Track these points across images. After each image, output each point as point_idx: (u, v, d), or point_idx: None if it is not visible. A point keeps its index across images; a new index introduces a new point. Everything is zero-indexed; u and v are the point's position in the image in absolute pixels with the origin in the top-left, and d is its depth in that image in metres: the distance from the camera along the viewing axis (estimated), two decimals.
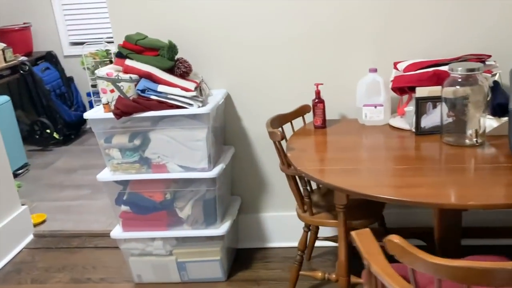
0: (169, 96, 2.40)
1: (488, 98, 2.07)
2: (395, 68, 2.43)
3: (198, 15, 2.63)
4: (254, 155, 2.82)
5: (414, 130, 2.27)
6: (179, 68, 2.53)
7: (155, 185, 2.56)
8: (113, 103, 2.44)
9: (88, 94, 5.33)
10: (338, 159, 2.09)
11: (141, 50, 2.49)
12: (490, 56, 2.27)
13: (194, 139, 2.46)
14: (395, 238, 1.29)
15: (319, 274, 2.35)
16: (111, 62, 5.05)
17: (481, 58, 2.24)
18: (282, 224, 2.90)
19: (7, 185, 3.18)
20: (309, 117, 2.55)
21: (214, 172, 2.48)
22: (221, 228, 2.59)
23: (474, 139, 2.09)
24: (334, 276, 2.28)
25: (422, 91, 2.20)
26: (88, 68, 5.06)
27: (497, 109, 2.11)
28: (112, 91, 2.44)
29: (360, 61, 2.56)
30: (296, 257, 2.43)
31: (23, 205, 3.36)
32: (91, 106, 5.33)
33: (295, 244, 2.66)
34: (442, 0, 2.43)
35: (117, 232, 2.66)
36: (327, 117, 2.49)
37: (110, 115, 2.42)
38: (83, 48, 5.12)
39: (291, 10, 2.55)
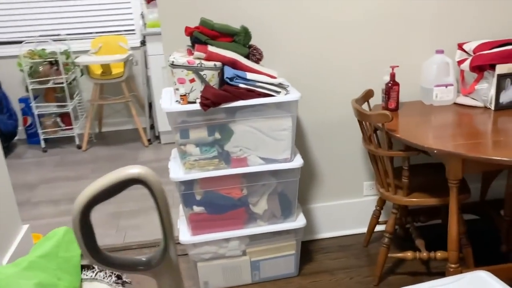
0: (257, 84, 2.26)
1: None
2: (460, 49, 2.58)
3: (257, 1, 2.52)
4: (299, 145, 2.77)
5: (490, 106, 2.44)
6: (254, 55, 2.41)
7: (233, 181, 2.39)
8: (192, 93, 2.23)
9: (22, 100, 4.71)
10: (448, 136, 2.17)
11: (216, 36, 2.32)
12: None
13: (279, 129, 2.35)
14: None
15: (408, 255, 2.39)
16: (51, 63, 4.54)
17: None
18: (328, 215, 2.89)
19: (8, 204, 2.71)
20: (372, 100, 2.59)
21: (298, 162, 2.39)
22: (299, 220, 2.51)
23: None
24: (439, 253, 2.33)
25: (502, 68, 2.38)
26: (23, 70, 4.48)
27: None
28: (192, 80, 2.22)
29: (421, 43, 2.66)
30: (385, 239, 2.44)
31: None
32: (26, 114, 4.72)
33: (344, 232, 2.78)
34: None
35: (186, 236, 2.42)
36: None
37: (190, 107, 2.21)
38: (21, 48, 4.50)
39: None
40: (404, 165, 2.28)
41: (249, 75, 2.25)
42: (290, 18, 2.56)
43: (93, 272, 2.14)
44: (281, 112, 2.33)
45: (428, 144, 2.09)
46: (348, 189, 2.88)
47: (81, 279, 2.09)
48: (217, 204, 2.41)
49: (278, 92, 2.29)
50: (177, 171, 2.35)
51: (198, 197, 2.40)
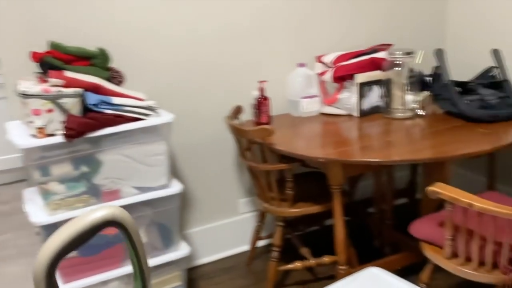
0: (125, 108, 2.10)
1: (414, 77, 2.50)
2: (319, 61, 2.67)
3: (110, 20, 2.35)
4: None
5: (354, 113, 2.55)
6: (115, 78, 2.25)
7: None
8: (51, 125, 2.00)
9: None
10: (327, 144, 2.22)
11: (71, 60, 2.12)
12: (392, 44, 2.72)
13: (153, 154, 2.20)
14: None
15: (298, 265, 2.40)
16: None
17: (387, 47, 2.67)
18: (206, 238, 2.79)
19: None
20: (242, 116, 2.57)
21: (177, 188, 2.27)
22: (182, 248, 2.38)
23: (407, 112, 2.50)
24: (326, 258, 2.37)
25: (361, 77, 2.50)
26: None
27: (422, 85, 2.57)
28: (49, 110, 1.99)
29: (282, 58, 2.70)
30: (273, 254, 2.42)
31: None
32: None
33: (225, 254, 2.80)
34: (344, 2, 2.77)
35: None
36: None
37: (51, 140, 1.98)
38: None
39: (209, 13, 2.52)
40: (288, 177, 2.28)
41: (115, 100, 2.08)
42: (150, 37, 2.43)
43: None
44: (153, 137, 2.19)
45: (313, 154, 2.11)
46: (224, 209, 2.81)
47: None
48: (91, 245, 2.17)
49: (148, 115, 2.15)
50: (39, 213, 2.07)
51: None
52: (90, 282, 2.19)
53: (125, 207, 2.19)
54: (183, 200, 2.67)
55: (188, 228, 2.74)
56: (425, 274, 1.99)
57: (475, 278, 1.79)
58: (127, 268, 2.24)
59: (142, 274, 0.99)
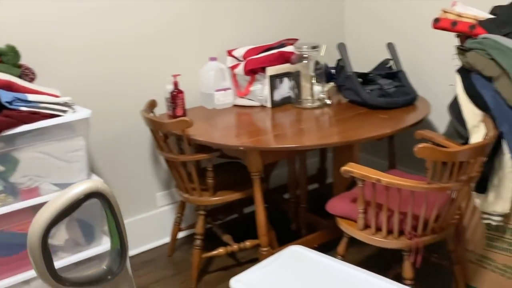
0: (41, 105, 2.07)
1: (320, 70, 2.68)
2: (230, 55, 2.77)
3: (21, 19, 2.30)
4: None
5: (266, 104, 2.68)
6: (27, 75, 2.22)
7: (26, 215, 2.14)
8: None
9: None
10: (244, 134, 2.33)
11: None
12: (297, 39, 2.88)
13: (72, 150, 2.19)
14: (423, 144, 1.75)
15: (221, 251, 2.50)
16: None
17: (293, 41, 2.83)
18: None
19: None
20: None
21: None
22: (104, 243, 2.38)
23: (316, 102, 2.68)
24: (248, 243, 2.48)
25: (272, 70, 2.64)
26: None
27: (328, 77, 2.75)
28: None
29: (194, 52, 2.78)
30: (197, 242, 2.49)
31: None
32: None
33: (145, 248, 2.84)
34: None
35: None
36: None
37: None
38: None
39: (122, 9, 2.54)
40: (208, 166, 2.36)
41: (31, 97, 2.05)
42: (62, 33, 2.40)
43: None
44: (71, 133, 2.18)
45: (233, 143, 2.21)
46: (142, 203, 2.83)
47: None
48: (10, 244, 2.13)
49: (65, 112, 2.14)
50: None
51: None
52: (12, 282, 2.14)
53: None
54: None
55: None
56: (341, 247, 2.16)
57: (385, 245, 1.99)
58: None
59: (121, 236, 1.08)
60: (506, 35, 2.01)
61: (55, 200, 0.96)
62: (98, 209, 2.33)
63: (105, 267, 1.11)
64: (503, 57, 1.91)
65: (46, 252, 0.94)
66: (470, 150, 1.83)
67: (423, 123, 2.63)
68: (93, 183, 1.00)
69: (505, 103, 1.92)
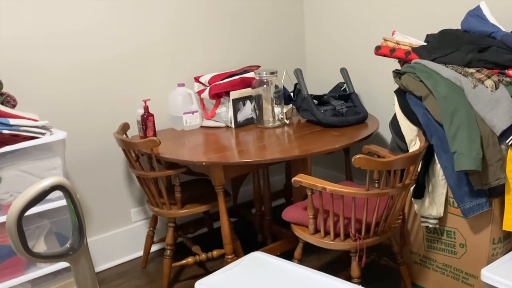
0: (21, 128, 2.29)
1: (278, 93, 2.94)
2: (197, 81, 3.02)
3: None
4: None
5: (231, 125, 2.93)
6: (9, 102, 2.44)
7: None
8: None
9: None
10: (209, 151, 2.57)
11: None
12: (259, 66, 3.15)
13: (49, 168, 2.40)
14: (359, 155, 2.01)
15: (190, 260, 2.70)
16: None
17: (255, 68, 3.10)
18: (102, 247, 2.98)
19: None
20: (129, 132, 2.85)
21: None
22: None
23: (276, 122, 2.93)
24: (215, 252, 2.69)
25: (235, 94, 2.89)
26: None
27: (287, 99, 3.02)
28: None
29: (163, 78, 3.03)
30: (167, 252, 2.69)
31: None
32: None
33: (120, 261, 3.03)
34: (216, 27, 3.17)
35: None
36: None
37: None
38: None
39: (96, 38, 2.79)
40: (175, 181, 2.59)
41: (12, 121, 2.27)
42: (40, 62, 2.64)
43: None
44: (48, 153, 2.39)
45: (197, 159, 2.44)
46: (117, 219, 3.04)
47: None
48: None
49: (43, 134, 2.35)
50: None
51: None
52: None
53: (24, 218, 2.36)
54: None
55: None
56: (297, 251, 2.39)
57: (333, 247, 2.22)
58: (30, 275, 2.40)
59: (80, 226, 1.33)
60: (434, 59, 2.29)
61: (27, 191, 1.24)
62: None
63: (68, 245, 1.39)
64: (429, 79, 2.18)
65: (21, 232, 1.21)
66: (402, 160, 2.09)
67: (373, 139, 2.89)
68: (57, 178, 1.29)
69: (433, 118, 2.19)
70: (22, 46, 2.58)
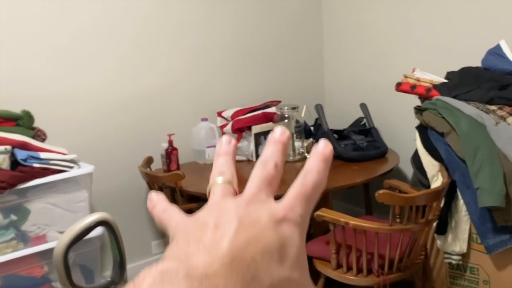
0: (51, 162, 2.36)
1: (299, 127, 2.99)
2: (220, 116, 3.09)
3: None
4: None
5: (252, 158, 2.97)
6: (39, 136, 2.51)
7: (33, 260, 2.38)
8: None
9: None
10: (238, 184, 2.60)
11: None
12: (280, 101, 3.21)
13: (76, 201, 2.45)
14: (382, 190, 2.03)
15: None
16: None
17: (276, 103, 3.16)
18: None
19: None
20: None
21: (96, 231, 2.51)
22: None
23: (297, 156, 2.97)
24: None
25: (256, 128, 2.94)
26: None
27: (307, 134, 3.06)
28: None
29: (187, 113, 3.09)
30: None
31: None
32: None
33: None
34: (237, 63, 3.25)
35: None
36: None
37: None
38: None
39: (123, 76, 2.87)
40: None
41: (42, 155, 2.34)
42: (70, 100, 2.72)
43: None
44: (75, 186, 2.45)
45: None
46: (138, 251, 3.06)
47: None
48: (20, 286, 2.35)
49: (71, 167, 2.42)
50: None
51: None
52: None
53: (51, 250, 2.40)
54: (101, 244, 2.89)
55: (107, 270, 2.95)
56: (318, 286, 2.39)
57: (356, 283, 2.22)
58: None
59: (122, 261, 1.38)
60: (455, 96, 2.33)
61: (73, 227, 1.28)
62: (97, 255, 2.58)
63: (109, 278, 1.42)
64: (451, 115, 2.22)
65: (67, 266, 1.26)
66: (425, 196, 2.11)
67: (394, 173, 2.91)
68: (101, 214, 1.33)
69: (455, 154, 2.22)
70: (51, 82, 2.67)
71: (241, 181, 2.07)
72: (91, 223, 1.37)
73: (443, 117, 2.26)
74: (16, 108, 2.48)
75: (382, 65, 3.28)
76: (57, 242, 1.34)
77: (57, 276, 1.34)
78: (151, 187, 2.65)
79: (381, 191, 2.04)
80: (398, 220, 2.30)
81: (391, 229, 2.10)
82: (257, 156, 2.97)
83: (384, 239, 2.14)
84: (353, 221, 2.13)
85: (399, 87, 2.58)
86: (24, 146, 2.32)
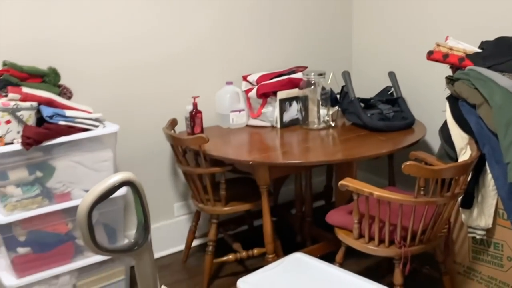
0: (76, 120, 2.36)
1: (325, 95, 2.94)
2: (245, 80, 3.05)
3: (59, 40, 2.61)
4: None
5: (276, 125, 2.94)
6: (65, 94, 2.51)
7: (58, 216, 2.41)
8: (8, 135, 2.22)
9: None
10: (254, 150, 2.59)
11: (25, 78, 2.37)
12: (307, 67, 3.15)
13: (101, 160, 2.47)
14: (409, 162, 1.99)
15: (230, 257, 2.73)
16: None
17: (302, 68, 3.10)
18: None
19: None
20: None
21: (121, 191, 2.53)
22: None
23: (322, 124, 2.93)
24: (256, 250, 2.71)
25: (282, 94, 2.90)
26: None
27: (333, 101, 3.01)
28: (8, 122, 2.22)
29: (212, 76, 3.06)
30: (209, 248, 2.73)
31: None
32: None
33: (161, 254, 3.08)
34: (264, 27, 3.19)
35: (11, 281, 2.34)
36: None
37: (9, 148, 2.20)
38: None
39: (150, 38, 2.84)
40: (220, 179, 2.62)
41: (68, 112, 2.34)
42: (97, 58, 2.71)
43: None
44: (100, 145, 2.46)
45: (243, 158, 2.47)
46: (161, 212, 3.09)
47: None
48: (44, 243, 2.39)
49: (96, 126, 2.42)
50: None
51: (21, 239, 2.35)
52: (43, 276, 2.40)
53: (75, 208, 2.43)
54: (125, 204, 2.92)
55: (130, 230, 2.99)
56: (339, 255, 2.39)
57: (377, 253, 2.21)
58: (77, 264, 2.48)
59: (146, 222, 1.38)
60: (489, 67, 2.25)
61: (97, 186, 1.27)
62: (121, 214, 2.61)
63: (132, 240, 1.41)
64: (484, 87, 2.15)
65: (90, 225, 1.26)
66: (453, 169, 2.06)
67: (420, 145, 2.86)
68: (126, 174, 1.32)
69: (487, 127, 2.16)
70: (79, 48, 2.66)
71: (264, 146, 2.09)
72: (116, 183, 1.35)
73: (476, 88, 2.20)
74: (42, 65, 2.48)
75: (413, 32, 3.18)
76: (81, 201, 1.33)
77: (80, 235, 1.34)
78: (174, 149, 2.65)
79: (408, 163, 2.00)
80: (422, 192, 2.27)
81: (416, 202, 2.07)
82: (281, 122, 2.94)
83: (408, 211, 2.11)
84: (377, 192, 2.11)
85: (430, 55, 2.50)
86: (50, 103, 2.32)
